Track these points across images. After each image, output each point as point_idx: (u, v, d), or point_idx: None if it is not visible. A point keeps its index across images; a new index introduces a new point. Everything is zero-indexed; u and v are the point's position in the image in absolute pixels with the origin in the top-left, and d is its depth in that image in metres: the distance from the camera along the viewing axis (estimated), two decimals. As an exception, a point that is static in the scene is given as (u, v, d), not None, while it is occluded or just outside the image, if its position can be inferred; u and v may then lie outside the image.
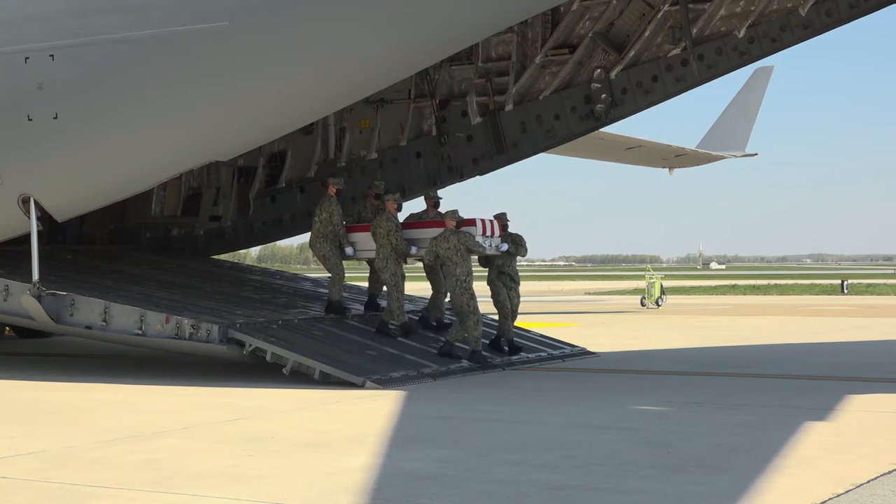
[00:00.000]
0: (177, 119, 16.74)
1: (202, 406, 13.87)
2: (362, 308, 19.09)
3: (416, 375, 16.16)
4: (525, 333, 20.30)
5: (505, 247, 17.96)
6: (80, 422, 12.66)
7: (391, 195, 18.14)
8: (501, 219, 18.33)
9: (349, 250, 18.22)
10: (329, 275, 18.62)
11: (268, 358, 16.05)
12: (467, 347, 17.38)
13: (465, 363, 17.25)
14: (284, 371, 15.93)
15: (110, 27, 16.11)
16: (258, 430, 11.83)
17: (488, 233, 17.67)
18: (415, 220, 18.39)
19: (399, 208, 18.08)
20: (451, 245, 17.21)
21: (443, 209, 18.15)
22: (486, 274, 18.43)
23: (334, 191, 18.31)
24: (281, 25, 15.58)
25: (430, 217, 18.33)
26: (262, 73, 16.11)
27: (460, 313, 17.23)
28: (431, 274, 18.44)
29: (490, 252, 17.79)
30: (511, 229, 18.33)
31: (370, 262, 18.70)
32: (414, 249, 17.85)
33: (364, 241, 18.16)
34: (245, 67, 16.00)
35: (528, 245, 18.51)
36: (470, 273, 17.30)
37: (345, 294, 19.31)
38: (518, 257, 18.50)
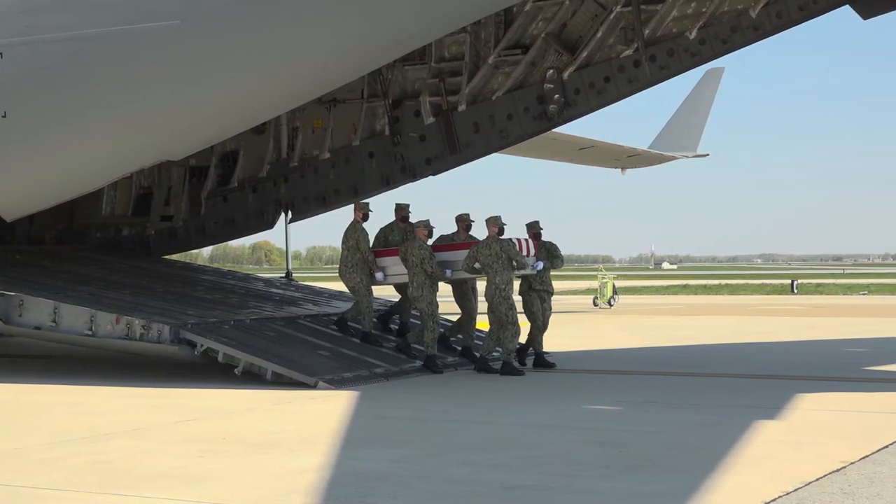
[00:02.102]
0: (127, 118, 16.62)
1: (153, 407, 13.77)
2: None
3: (368, 376, 16.14)
4: (479, 333, 20.30)
5: (541, 265, 17.60)
6: (28, 423, 12.54)
7: (421, 221, 17.65)
8: (534, 227, 18.06)
9: (379, 276, 17.81)
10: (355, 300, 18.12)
11: (220, 358, 15.97)
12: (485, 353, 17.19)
13: (418, 363, 17.26)
14: (236, 371, 15.85)
15: (60, 25, 15.97)
16: (209, 431, 11.76)
17: (524, 251, 17.29)
18: (446, 243, 17.93)
19: (430, 234, 17.61)
20: (493, 252, 16.85)
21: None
22: (520, 285, 18.09)
23: (360, 216, 17.97)
24: (233, 24, 15.51)
25: (462, 240, 17.90)
26: (214, 72, 16.03)
27: (499, 322, 16.88)
28: (463, 299, 18.10)
29: (528, 272, 17.45)
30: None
31: (399, 287, 18.35)
32: (448, 272, 17.43)
33: (394, 265, 17.73)
34: (197, 66, 15.91)
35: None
36: (510, 283, 16.98)
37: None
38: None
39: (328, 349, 16.98)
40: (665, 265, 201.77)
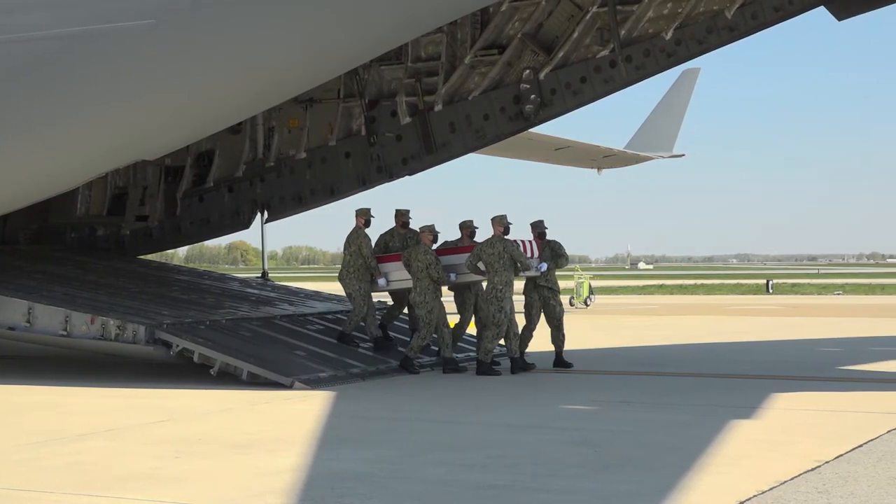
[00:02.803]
0: (102, 117, 16.54)
1: (128, 407, 13.73)
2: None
3: (344, 376, 16.13)
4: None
5: (544, 267, 17.46)
6: (3, 424, 12.47)
7: (426, 226, 17.52)
8: (538, 227, 17.90)
9: (382, 282, 17.73)
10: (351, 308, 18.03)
11: (195, 359, 15.94)
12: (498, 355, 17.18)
13: (393, 363, 17.26)
14: (212, 372, 15.82)
15: (34, 24, 15.88)
16: (185, 432, 11.73)
17: (528, 253, 17.15)
18: (450, 248, 17.82)
19: (435, 240, 17.49)
20: (497, 251, 16.73)
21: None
22: (525, 283, 17.91)
23: (362, 222, 17.87)
24: (208, 23, 15.46)
25: (466, 245, 17.73)
26: (189, 71, 15.98)
27: (487, 322, 16.82)
28: (462, 307, 17.94)
29: (532, 273, 17.33)
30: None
31: (397, 294, 18.27)
32: (453, 276, 17.29)
33: (396, 271, 17.63)
34: (171, 65, 15.84)
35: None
36: (508, 284, 16.77)
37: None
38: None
39: (304, 349, 16.95)
40: (641, 265, 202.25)
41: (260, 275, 24.81)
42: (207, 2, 15.30)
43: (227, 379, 15.73)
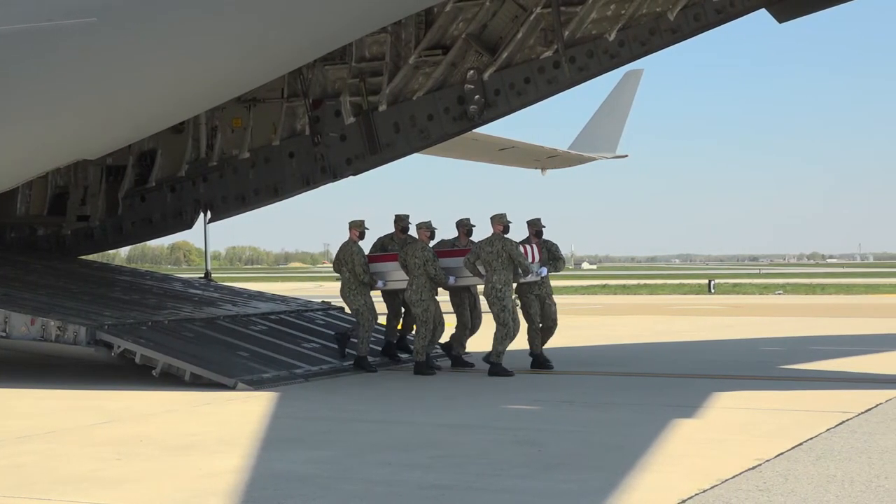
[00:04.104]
0: (42, 116, 16.37)
1: (69, 409, 13.60)
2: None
3: (288, 376, 16.08)
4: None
5: (544, 271, 17.32)
6: (-60, 426, 12.32)
7: (423, 223, 17.40)
8: (536, 225, 17.72)
9: (380, 283, 17.58)
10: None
11: (137, 360, 15.82)
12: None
13: (346, 363, 17.24)
14: (154, 373, 15.71)
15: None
16: (126, 434, 11.64)
17: (529, 258, 16.95)
18: (447, 249, 17.64)
19: (432, 236, 17.35)
20: (495, 250, 16.55)
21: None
22: (518, 286, 17.62)
23: (357, 234, 17.68)
24: (151, 22, 15.34)
25: (463, 245, 17.67)
26: (131, 70, 15.84)
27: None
28: (458, 308, 17.78)
29: (531, 279, 17.11)
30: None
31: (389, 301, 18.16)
32: (452, 279, 17.12)
33: (394, 271, 17.44)
34: (113, 64, 15.70)
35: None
36: (507, 284, 16.60)
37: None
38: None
39: (247, 350, 16.88)
40: (585, 265, 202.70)
41: (203, 275, 24.68)
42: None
43: (170, 380, 15.63)
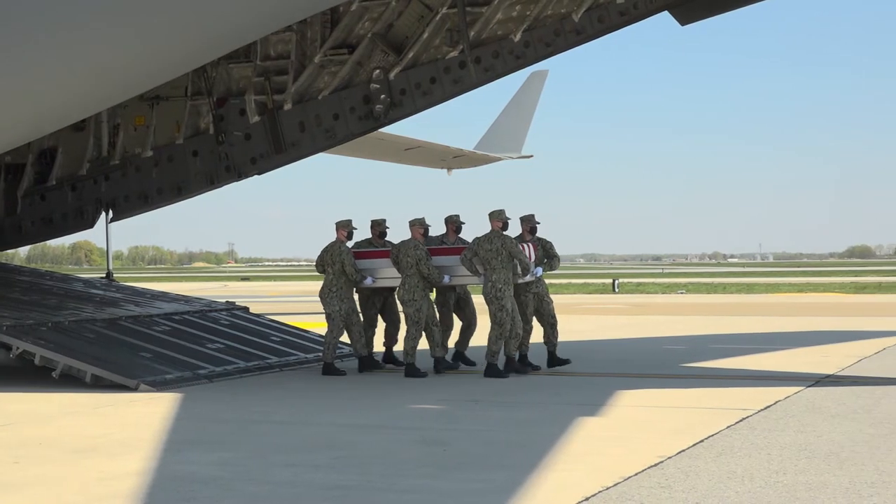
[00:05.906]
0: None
1: (-34, 412, 13.34)
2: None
3: (191, 377, 15.94)
4: (303, 334, 20.25)
5: (539, 272, 17.01)
6: None
7: (416, 220, 17.06)
8: (530, 221, 17.38)
9: (369, 280, 17.26)
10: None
11: (36, 361, 15.57)
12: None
13: (241, 364, 17.11)
14: (54, 375, 15.48)
15: None
16: (25, 436, 11.45)
17: (527, 256, 16.65)
18: (436, 246, 17.22)
19: (425, 234, 17.03)
20: (495, 248, 16.22)
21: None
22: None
23: (344, 235, 17.38)
24: (47, 18, 15.09)
25: (451, 242, 17.36)
26: (28, 67, 15.56)
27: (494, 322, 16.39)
28: (442, 307, 17.46)
29: (528, 279, 16.76)
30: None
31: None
32: (447, 279, 16.78)
33: (385, 268, 17.11)
34: (9, 61, 15.42)
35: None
36: (507, 283, 16.24)
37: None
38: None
39: (150, 351, 16.70)
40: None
41: (104, 275, 24.36)
42: None
43: (71, 382, 15.40)
